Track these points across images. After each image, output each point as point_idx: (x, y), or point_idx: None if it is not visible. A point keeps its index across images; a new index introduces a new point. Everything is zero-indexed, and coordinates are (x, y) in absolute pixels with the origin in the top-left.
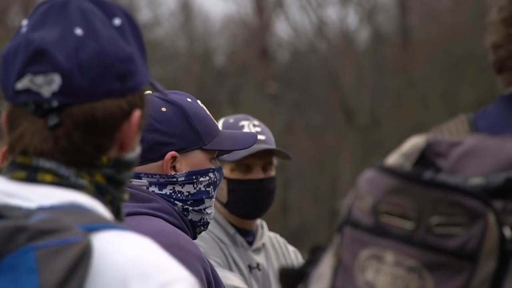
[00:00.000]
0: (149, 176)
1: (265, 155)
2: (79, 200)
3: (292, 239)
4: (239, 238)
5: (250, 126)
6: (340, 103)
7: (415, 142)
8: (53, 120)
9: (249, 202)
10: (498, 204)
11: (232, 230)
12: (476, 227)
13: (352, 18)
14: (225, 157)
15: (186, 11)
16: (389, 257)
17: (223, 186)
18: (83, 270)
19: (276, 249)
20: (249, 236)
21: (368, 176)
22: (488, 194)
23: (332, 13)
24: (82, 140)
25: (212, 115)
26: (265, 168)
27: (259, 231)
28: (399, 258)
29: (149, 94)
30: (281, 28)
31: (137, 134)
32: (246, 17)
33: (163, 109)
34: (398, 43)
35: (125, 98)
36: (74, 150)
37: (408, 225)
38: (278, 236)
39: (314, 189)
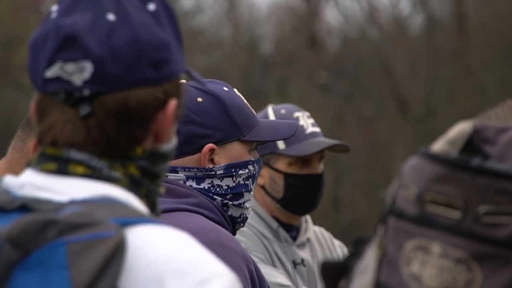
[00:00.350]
0: (186, 169)
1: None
2: (112, 193)
3: (344, 235)
4: (283, 233)
5: (304, 117)
6: (393, 92)
7: (461, 128)
8: (85, 110)
9: (307, 198)
10: None
11: (275, 225)
12: None
13: (405, 4)
14: (289, 151)
15: None
16: (436, 248)
17: (278, 181)
18: (117, 266)
19: (321, 244)
20: (292, 231)
21: (412, 163)
22: None
23: None
24: (115, 130)
25: (258, 106)
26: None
27: (303, 225)
28: (446, 249)
29: (184, 83)
30: (331, 15)
31: (173, 125)
32: (294, 3)
33: (199, 99)
34: (453, 29)
35: (160, 87)
36: (106, 141)
37: (455, 214)
38: (323, 230)
39: (367, 182)
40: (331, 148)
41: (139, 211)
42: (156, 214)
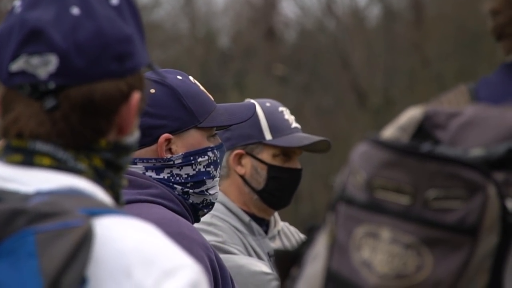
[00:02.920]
0: (145, 161)
1: None
2: (78, 185)
3: (304, 228)
4: (255, 226)
5: (288, 112)
6: (351, 84)
7: (412, 113)
8: (50, 103)
9: (286, 191)
10: (499, 175)
11: (247, 218)
12: (476, 200)
13: None
14: (277, 142)
15: None
16: (385, 234)
17: (261, 171)
18: (85, 255)
19: (289, 238)
20: (262, 225)
21: (361, 150)
22: (489, 165)
23: None
24: (80, 122)
25: (217, 99)
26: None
27: (272, 218)
28: (395, 235)
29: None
30: (288, 7)
31: (136, 118)
32: None
33: (152, 90)
34: (411, 20)
35: (124, 80)
36: (72, 133)
37: (404, 200)
38: (288, 225)
39: (326, 174)
40: (311, 148)
41: (105, 203)
42: (120, 205)
